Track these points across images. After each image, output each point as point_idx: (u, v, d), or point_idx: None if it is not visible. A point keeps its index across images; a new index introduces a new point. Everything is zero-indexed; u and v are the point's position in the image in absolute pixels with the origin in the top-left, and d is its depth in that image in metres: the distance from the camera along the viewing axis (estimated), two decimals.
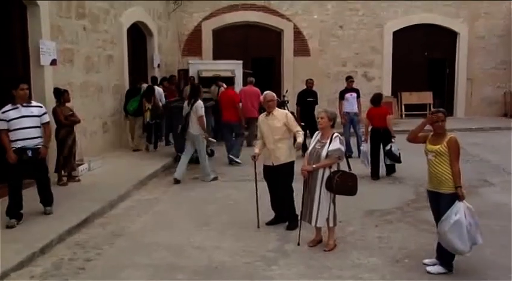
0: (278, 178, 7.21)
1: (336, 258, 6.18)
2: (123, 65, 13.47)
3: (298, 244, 6.50)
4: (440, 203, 5.63)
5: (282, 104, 17.77)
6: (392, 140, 10.11)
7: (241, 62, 16.63)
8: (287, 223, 7.22)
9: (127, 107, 13.07)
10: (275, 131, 7.16)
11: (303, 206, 6.57)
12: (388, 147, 10.07)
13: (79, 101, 10.79)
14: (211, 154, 12.78)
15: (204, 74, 15.99)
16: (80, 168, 10.00)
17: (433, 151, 5.64)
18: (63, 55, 10.25)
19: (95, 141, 11.75)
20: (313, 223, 6.43)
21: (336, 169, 6.39)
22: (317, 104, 13.18)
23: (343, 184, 6.31)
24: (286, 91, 18.10)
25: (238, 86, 15.93)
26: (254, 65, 18.38)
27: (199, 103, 10.09)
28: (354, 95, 12.82)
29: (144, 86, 13.63)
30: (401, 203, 8.50)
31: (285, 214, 7.31)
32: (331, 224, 6.45)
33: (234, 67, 16.43)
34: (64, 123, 9.19)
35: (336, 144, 6.34)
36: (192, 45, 19.20)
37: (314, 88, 13.50)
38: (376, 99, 10.70)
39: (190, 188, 9.74)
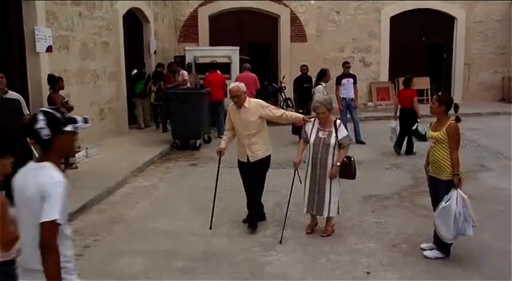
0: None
1: (333, 243, 6.21)
2: (120, 51, 13.39)
3: (280, 242, 6.18)
4: (438, 189, 5.64)
5: (279, 91, 17.84)
6: (418, 120, 10.49)
7: (237, 48, 16.56)
8: (248, 221, 6.75)
9: (134, 89, 14.45)
10: (250, 125, 6.48)
11: (307, 197, 6.38)
12: (414, 126, 10.41)
13: (75, 88, 10.75)
14: (208, 140, 12.79)
15: (201, 61, 15.93)
16: (77, 155, 9.98)
17: (433, 137, 5.64)
18: (59, 42, 10.18)
19: (92, 128, 11.69)
20: (325, 214, 6.34)
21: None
22: (313, 89, 13.14)
23: (355, 168, 6.41)
24: (283, 77, 18.10)
25: (235, 72, 15.90)
26: (251, 51, 18.29)
27: (319, 88, 10.49)
28: (351, 80, 12.79)
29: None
30: (398, 188, 8.52)
31: (251, 210, 6.78)
32: (340, 211, 6.46)
33: (230, 53, 16.36)
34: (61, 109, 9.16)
35: (344, 130, 6.27)
36: (188, 32, 19.10)
37: (311, 74, 13.45)
38: (406, 81, 11.35)
39: (188, 174, 9.75)
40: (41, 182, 2.80)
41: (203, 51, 16.78)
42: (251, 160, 6.57)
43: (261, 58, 18.78)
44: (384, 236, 6.41)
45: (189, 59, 16.15)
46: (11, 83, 9.21)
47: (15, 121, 6.53)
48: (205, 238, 6.39)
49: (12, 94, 6.76)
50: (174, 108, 11.88)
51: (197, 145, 12.00)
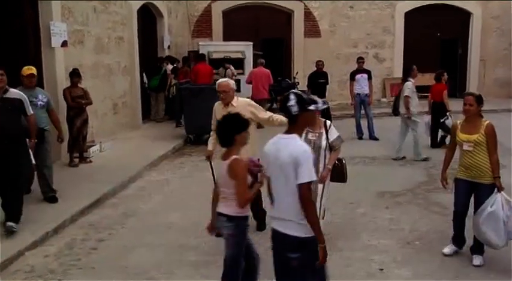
0: None
1: (346, 239, 6.19)
2: (133, 46, 13.44)
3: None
4: (480, 193, 5.34)
5: (292, 86, 17.79)
6: (447, 113, 10.63)
7: (251, 43, 16.55)
8: (257, 224, 6.43)
9: (149, 83, 14.67)
10: None
11: None
12: (442, 119, 10.57)
13: (90, 83, 10.79)
14: None
15: (214, 56, 15.95)
16: (92, 149, 10.04)
17: (471, 141, 5.29)
18: (74, 37, 10.24)
19: (106, 122, 11.78)
20: (320, 219, 6.00)
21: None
22: (328, 84, 13.12)
23: (346, 171, 6.08)
24: (297, 73, 18.05)
25: (249, 67, 15.90)
26: (264, 47, 18.27)
27: (407, 84, 10.29)
28: (365, 76, 12.71)
29: (169, 67, 15.21)
30: (412, 185, 8.47)
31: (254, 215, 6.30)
32: (325, 218, 5.98)
33: (244, 48, 16.37)
34: (71, 104, 9.21)
35: (335, 132, 5.88)
36: (202, 27, 19.10)
37: (324, 69, 13.41)
38: (437, 76, 11.60)
39: (201, 169, 9.76)
40: (292, 150, 3.49)
41: (217, 46, 16.79)
42: None
43: (275, 53, 18.74)
44: (398, 233, 6.38)
45: (202, 53, 16.15)
46: None
47: (13, 122, 6.14)
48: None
49: (13, 93, 6.25)
50: (187, 103, 11.91)
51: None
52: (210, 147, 6.33)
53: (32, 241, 5.96)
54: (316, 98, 3.67)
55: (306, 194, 3.46)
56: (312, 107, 3.61)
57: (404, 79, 10.68)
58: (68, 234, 6.46)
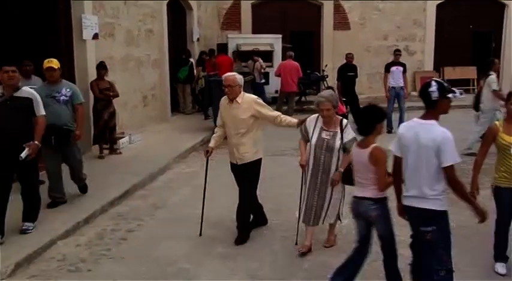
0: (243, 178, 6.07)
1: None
2: (163, 39, 13.52)
3: (296, 243, 5.77)
4: None
5: (321, 79, 17.71)
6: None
7: (280, 36, 16.51)
8: (237, 234, 6.00)
9: (178, 75, 14.65)
10: (240, 123, 5.82)
11: (306, 209, 5.62)
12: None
13: (120, 75, 10.91)
14: None
15: (243, 48, 15.95)
16: (121, 141, 10.16)
17: None
18: (105, 29, 10.35)
19: (136, 115, 11.90)
20: (321, 222, 5.63)
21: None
22: (357, 77, 13.02)
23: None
24: (326, 66, 17.95)
25: (277, 60, 15.87)
26: (293, 39, 18.19)
27: (492, 78, 9.98)
28: (400, 69, 12.55)
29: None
30: None
31: (239, 222, 6.05)
32: (333, 220, 5.71)
33: (273, 41, 16.35)
34: (98, 97, 9.29)
35: (351, 132, 5.40)
36: (231, 19, 19.09)
37: (354, 62, 13.30)
38: (486, 66, 11.03)
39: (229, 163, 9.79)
40: (435, 136, 3.85)
41: (245, 39, 16.80)
42: (238, 163, 5.96)
43: (304, 46, 18.65)
44: None
45: (231, 46, 16.20)
46: None
47: (17, 123, 5.73)
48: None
49: (24, 92, 5.87)
50: (215, 96, 11.93)
51: None
52: (211, 144, 6.13)
53: (64, 230, 6.09)
54: (454, 88, 3.96)
55: (452, 175, 3.90)
56: (450, 95, 3.91)
57: (485, 73, 10.37)
58: (99, 224, 6.57)
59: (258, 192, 6.21)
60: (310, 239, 5.64)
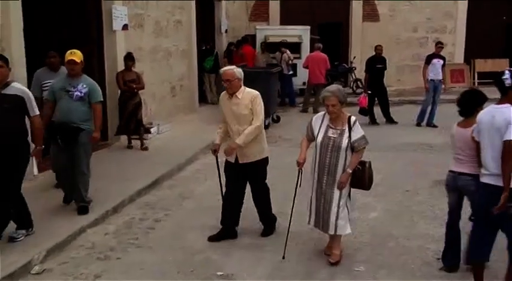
0: (242, 179, 5.74)
1: (403, 227, 6.11)
2: (191, 30, 13.56)
3: (284, 258, 5.30)
4: None
5: (349, 71, 17.58)
6: None
7: (308, 27, 16.40)
8: (263, 228, 5.94)
9: (204, 64, 14.70)
10: (240, 119, 5.51)
11: (311, 212, 5.29)
12: None
13: (148, 66, 10.99)
14: (277, 119, 12.81)
15: (271, 40, 15.91)
16: (150, 131, 10.24)
17: None
18: (134, 20, 10.43)
19: (164, 105, 11.99)
20: (331, 231, 5.16)
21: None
22: (386, 70, 12.87)
23: (371, 176, 5.23)
24: (354, 58, 17.81)
25: (305, 51, 15.79)
26: (321, 31, 18.05)
27: None
28: (441, 62, 12.32)
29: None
30: None
31: (261, 217, 5.98)
32: (348, 231, 5.23)
33: (301, 33, 16.26)
34: (122, 89, 9.29)
35: (359, 130, 5.07)
36: (259, 11, 19.02)
37: (383, 54, 13.15)
38: None
39: None
40: (507, 116, 4.19)
41: (274, 30, 16.74)
42: (240, 161, 5.60)
43: (332, 38, 18.50)
44: None
45: (259, 38, 16.18)
46: (88, 61, 9.58)
47: (6, 123, 5.12)
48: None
49: (14, 88, 5.21)
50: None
51: (266, 124, 12.01)
52: (217, 140, 5.81)
53: (94, 218, 6.18)
54: None
55: (509, 150, 4.11)
56: None
57: None
58: (127, 213, 6.65)
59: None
60: (337, 248, 5.30)
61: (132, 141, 9.63)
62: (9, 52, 6.86)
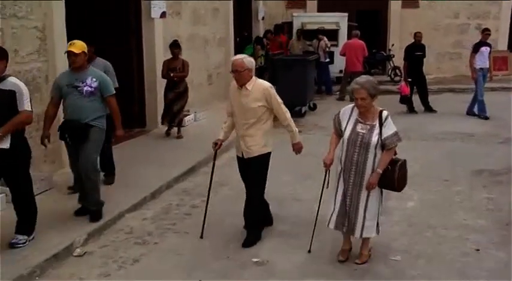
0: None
1: (440, 217, 6.04)
2: (229, 17, 13.58)
3: (310, 251, 5.19)
4: None
5: (387, 59, 17.34)
6: None
7: (346, 14, 16.26)
8: (246, 235, 5.48)
9: (244, 52, 14.11)
10: (248, 112, 5.21)
11: (338, 215, 4.90)
12: None
13: (186, 54, 11.04)
14: (313, 107, 12.75)
15: (308, 27, 15.82)
16: (186, 119, 10.32)
17: None
18: (172, 8, 10.49)
19: (201, 93, 12.07)
20: (357, 234, 4.85)
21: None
22: (425, 57, 12.64)
23: (404, 177, 4.83)
24: (392, 45, 17.56)
25: (343, 39, 15.65)
26: (359, 18, 17.83)
27: None
28: (488, 49, 11.94)
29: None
30: None
31: (246, 220, 5.58)
32: (374, 234, 4.92)
33: (338, 20, 16.13)
34: (162, 77, 9.28)
35: (391, 126, 4.67)
36: None
37: (422, 42, 12.90)
38: None
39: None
40: None
41: (311, 17, 16.65)
42: (245, 156, 5.38)
43: (370, 25, 18.25)
44: (496, 214, 6.12)
45: (296, 25, 16.09)
46: (126, 48, 9.72)
47: (1, 118, 4.83)
48: (308, 204, 6.41)
49: (8, 83, 4.88)
50: (280, 75, 11.93)
51: (302, 112, 12.00)
52: (221, 135, 5.53)
53: (132, 204, 6.31)
54: None
55: None
56: None
57: None
58: (164, 199, 6.76)
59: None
60: (349, 243, 5.04)
61: (171, 128, 9.68)
62: (51, 42, 7.02)
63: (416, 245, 5.36)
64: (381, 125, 4.63)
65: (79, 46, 5.52)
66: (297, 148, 5.55)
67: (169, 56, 9.34)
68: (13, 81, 4.93)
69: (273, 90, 5.22)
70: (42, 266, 4.79)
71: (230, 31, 13.74)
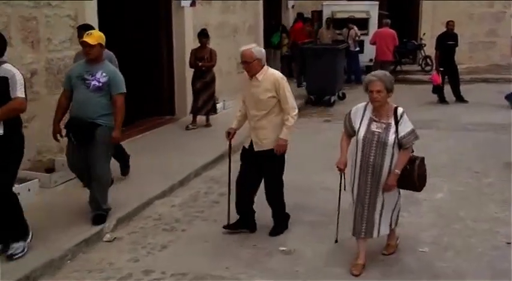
0: (257, 167, 5.24)
1: (470, 209, 5.96)
2: (258, 6, 13.57)
3: (336, 241, 5.07)
4: None
5: (418, 48, 17.08)
6: None
7: (377, 2, 16.06)
8: (272, 225, 5.43)
9: (271, 40, 14.85)
10: (259, 104, 5.04)
11: (355, 219, 4.67)
12: None
13: (215, 42, 11.06)
14: (342, 96, 12.67)
15: (338, 16, 15.68)
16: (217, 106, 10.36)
17: None
18: None
19: (230, 81, 12.07)
20: (375, 234, 4.65)
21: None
22: (457, 46, 12.42)
23: (423, 175, 4.61)
24: (424, 34, 17.28)
25: (373, 28, 15.48)
26: (390, 7, 17.57)
27: None
28: None
29: None
30: None
31: (273, 213, 5.47)
32: (393, 226, 4.80)
33: (369, 8, 15.95)
34: (190, 66, 9.29)
35: (408, 124, 4.42)
36: None
37: (455, 31, 12.67)
38: None
39: (321, 130, 9.78)
40: None
41: (341, 6, 16.47)
42: (255, 148, 5.18)
43: (401, 14, 17.99)
44: None
45: (326, 13, 15.97)
46: (156, 37, 9.78)
47: None
48: (336, 194, 6.36)
49: (2, 70, 4.49)
50: (310, 64, 11.88)
51: (331, 101, 11.94)
52: (234, 124, 5.40)
53: (161, 191, 6.39)
54: None
55: None
56: None
57: None
58: (193, 187, 6.82)
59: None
60: (363, 257, 4.68)
61: (197, 117, 9.69)
62: None
63: (445, 237, 5.31)
64: (396, 122, 4.38)
65: (96, 37, 5.22)
66: (279, 145, 5.09)
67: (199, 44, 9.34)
68: (7, 68, 4.52)
69: (285, 82, 5.04)
70: (73, 251, 4.90)
71: (259, 19, 13.71)
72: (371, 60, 14.98)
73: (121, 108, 5.27)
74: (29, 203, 5.47)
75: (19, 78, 4.53)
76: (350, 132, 4.63)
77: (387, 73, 4.60)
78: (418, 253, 5.00)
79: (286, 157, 5.34)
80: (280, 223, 5.47)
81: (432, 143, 6.21)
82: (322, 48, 12.22)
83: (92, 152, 5.20)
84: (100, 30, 7.42)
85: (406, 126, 4.39)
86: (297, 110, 5.14)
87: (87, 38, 5.17)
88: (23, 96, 4.53)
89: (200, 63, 9.15)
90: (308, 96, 12.25)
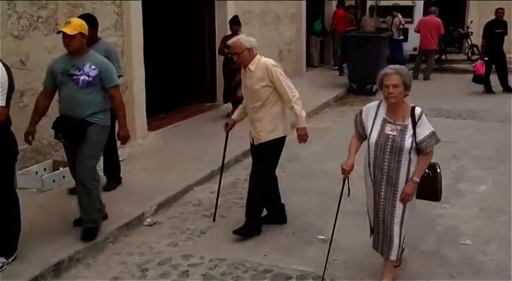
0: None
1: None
2: None
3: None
4: None
5: (464, 36, 16.68)
6: None
7: None
8: (244, 224, 5.09)
9: (314, 27, 14.99)
10: (254, 95, 4.86)
11: (373, 232, 4.31)
12: None
13: (257, 29, 11.07)
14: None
15: (383, 3, 15.47)
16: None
17: None
18: None
19: None
20: (392, 257, 4.12)
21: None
22: (506, 35, 12.06)
23: (440, 182, 4.08)
24: (471, 22, 16.86)
25: (418, 15, 15.20)
26: None
27: None
28: None
29: None
30: None
31: (247, 209, 5.14)
32: (395, 256, 4.14)
33: None
34: (219, 53, 9.34)
35: (427, 125, 3.87)
36: None
37: (505, 18, 12.30)
38: None
39: None
40: None
41: None
42: (254, 142, 5.05)
43: (448, 1, 17.56)
44: None
45: (369, 1, 15.76)
46: (199, 24, 9.83)
47: None
48: None
49: None
50: (352, 52, 11.76)
51: (373, 90, 11.80)
52: (234, 115, 5.34)
53: (200, 177, 6.48)
54: None
55: None
56: None
57: None
58: (233, 173, 6.88)
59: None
60: (390, 277, 4.23)
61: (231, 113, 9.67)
62: (127, 16, 7.22)
63: (488, 229, 5.21)
64: (414, 125, 3.82)
65: (75, 26, 4.49)
66: (300, 135, 5.03)
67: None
68: None
69: (277, 68, 4.79)
70: (115, 234, 5.02)
71: (302, 7, 13.62)
72: (415, 49, 14.74)
73: (120, 103, 4.77)
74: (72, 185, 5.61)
75: (3, 78, 3.91)
76: (360, 134, 4.16)
77: (405, 68, 4.05)
78: (459, 245, 4.92)
79: (322, 145, 5.30)
80: (254, 220, 5.09)
81: (476, 134, 6.05)
82: (365, 37, 12.07)
83: (80, 154, 4.61)
84: (144, 19, 7.60)
85: (425, 129, 3.84)
86: (297, 94, 4.90)
87: (64, 28, 4.48)
88: (2, 104, 3.91)
89: (227, 51, 9.13)
90: (350, 85, 12.15)
